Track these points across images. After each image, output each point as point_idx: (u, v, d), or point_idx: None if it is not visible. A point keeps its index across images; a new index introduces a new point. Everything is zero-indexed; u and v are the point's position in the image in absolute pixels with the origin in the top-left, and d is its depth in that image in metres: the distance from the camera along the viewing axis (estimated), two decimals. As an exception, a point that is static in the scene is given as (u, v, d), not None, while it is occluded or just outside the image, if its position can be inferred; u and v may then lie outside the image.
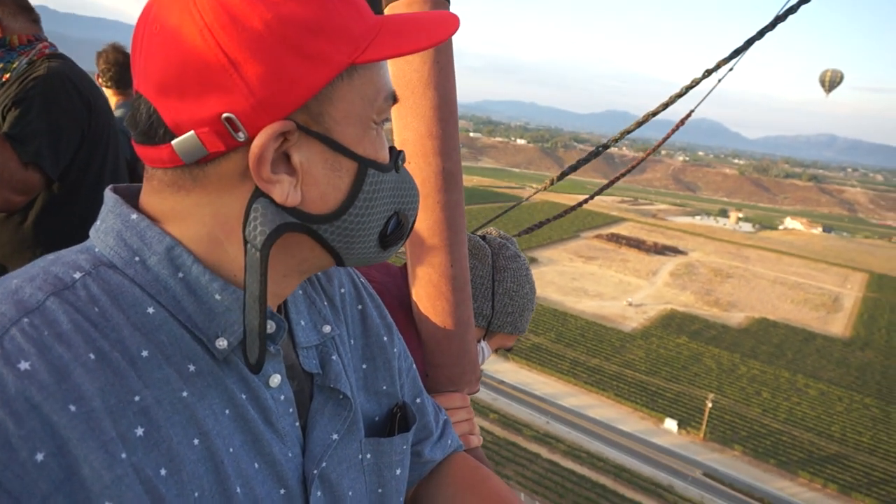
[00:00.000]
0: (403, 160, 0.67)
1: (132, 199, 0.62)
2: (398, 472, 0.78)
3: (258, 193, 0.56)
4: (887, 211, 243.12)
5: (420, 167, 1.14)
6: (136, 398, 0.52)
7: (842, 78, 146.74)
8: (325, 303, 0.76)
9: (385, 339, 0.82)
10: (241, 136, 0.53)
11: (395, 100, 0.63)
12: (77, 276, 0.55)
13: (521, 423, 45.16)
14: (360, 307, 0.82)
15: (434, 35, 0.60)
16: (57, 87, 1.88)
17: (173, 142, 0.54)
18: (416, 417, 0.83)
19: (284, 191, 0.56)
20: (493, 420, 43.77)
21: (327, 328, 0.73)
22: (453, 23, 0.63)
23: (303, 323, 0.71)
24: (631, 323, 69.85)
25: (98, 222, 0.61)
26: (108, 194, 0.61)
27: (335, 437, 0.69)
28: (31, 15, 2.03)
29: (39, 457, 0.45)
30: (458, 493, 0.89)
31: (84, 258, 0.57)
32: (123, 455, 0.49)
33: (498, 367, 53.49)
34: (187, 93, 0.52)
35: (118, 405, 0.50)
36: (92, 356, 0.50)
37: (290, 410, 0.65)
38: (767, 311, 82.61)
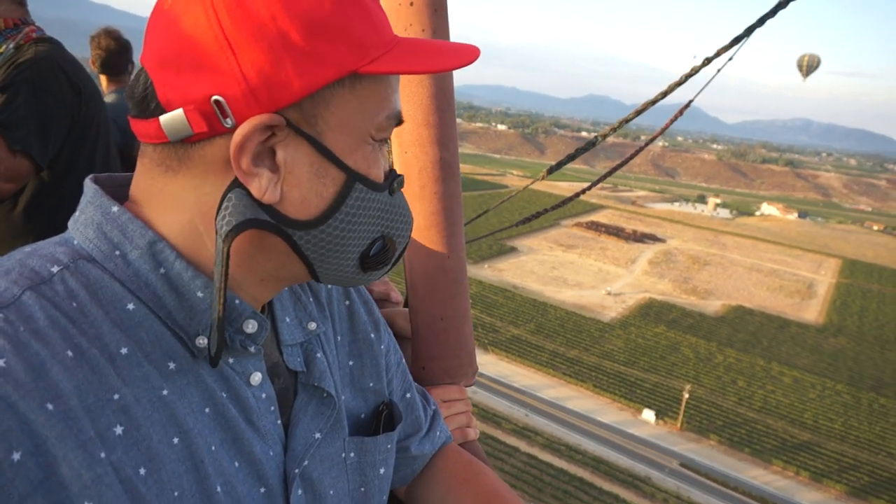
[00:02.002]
0: (401, 185, 0.65)
1: (114, 190, 0.61)
2: (382, 471, 0.78)
3: (236, 184, 0.55)
4: (860, 195, 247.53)
5: (417, 156, 1.13)
6: (115, 396, 0.51)
7: (819, 62, 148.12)
8: (311, 299, 0.75)
9: (372, 335, 0.81)
10: (229, 122, 0.53)
11: (399, 121, 0.62)
12: (55, 269, 0.53)
13: (500, 416, 45.36)
14: (347, 303, 0.81)
15: (447, 61, 0.60)
16: (45, 72, 1.85)
17: (161, 117, 0.53)
18: (402, 416, 0.83)
19: (263, 186, 0.55)
20: (473, 414, 43.51)
21: (312, 325, 0.72)
22: (472, 53, 0.62)
23: (287, 320, 0.70)
24: (610, 312, 70.37)
25: (77, 213, 0.59)
26: (88, 184, 0.60)
27: (318, 435, 0.69)
28: None
29: (16, 456, 0.44)
30: (452, 489, 0.89)
31: (62, 251, 0.56)
32: (102, 454, 0.49)
33: (478, 360, 53.36)
34: (182, 69, 0.52)
35: (96, 403, 0.49)
36: (69, 353, 0.49)
37: (272, 409, 0.65)
38: (743, 298, 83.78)
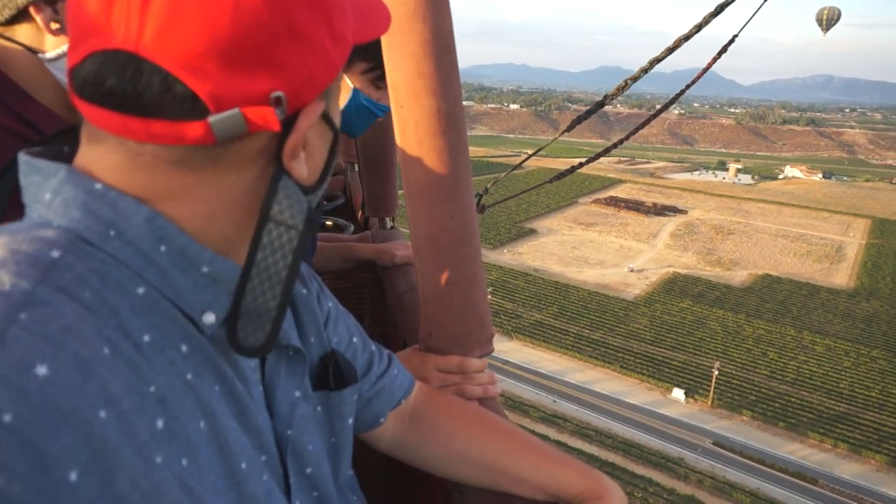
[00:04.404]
0: None
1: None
2: (350, 421, 0.79)
3: (282, 171, 0.54)
4: (887, 150, 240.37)
5: (412, 110, 1.06)
6: (152, 388, 0.48)
7: (839, 15, 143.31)
8: None
9: (304, 290, 0.80)
10: (280, 114, 0.51)
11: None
12: (55, 254, 0.47)
13: (527, 403, 45.07)
14: None
15: (387, 19, 0.64)
16: None
17: (211, 119, 0.49)
18: (351, 364, 0.82)
19: (301, 168, 0.56)
20: (500, 402, 43.31)
21: None
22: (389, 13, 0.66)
23: None
24: (633, 290, 69.33)
25: (48, 196, 0.52)
26: (54, 166, 0.53)
27: (297, 394, 0.69)
28: None
29: (73, 476, 0.41)
30: (458, 428, 0.91)
31: (50, 234, 0.49)
32: (158, 459, 0.46)
33: (502, 347, 53.20)
34: (236, 66, 0.48)
35: (141, 401, 0.47)
36: (106, 350, 0.45)
37: (257, 376, 0.64)
38: (770, 266, 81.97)
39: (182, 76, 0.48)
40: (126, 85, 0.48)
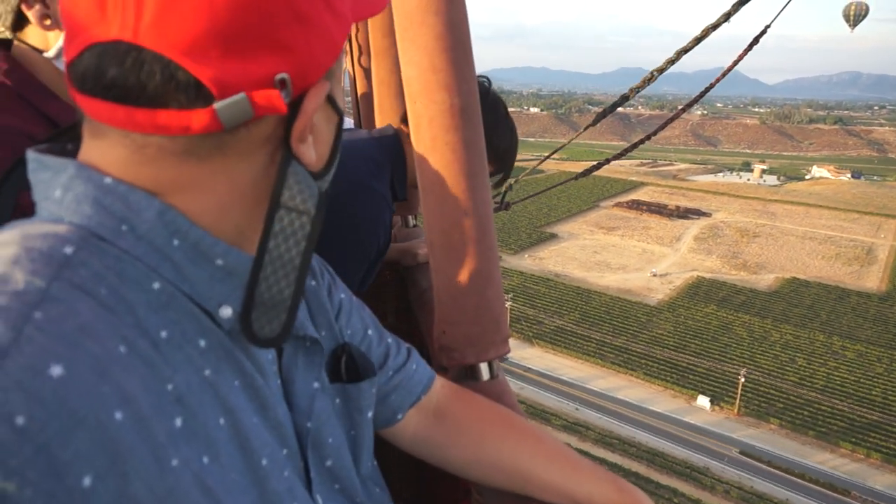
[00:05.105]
0: None
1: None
2: (369, 414, 0.78)
3: (291, 156, 0.53)
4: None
5: (425, 105, 1.05)
6: (169, 386, 0.47)
7: (867, 10, 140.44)
8: None
9: (313, 282, 0.78)
10: (286, 96, 0.50)
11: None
12: (69, 251, 0.46)
13: (549, 412, 44.67)
14: None
15: None
16: None
17: (217, 105, 0.48)
18: (367, 357, 0.80)
19: (310, 152, 0.55)
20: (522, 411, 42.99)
21: None
22: None
23: None
24: (656, 295, 68.35)
25: (58, 192, 0.51)
26: (63, 162, 0.52)
27: (316, 385, 0.68)
28: None
29: (87, 481, 0.39)
30: (488, 431, 0.89)
31: (63, 230, 0.48)
32: (175, 461, 0.45)
33: (523, 354, 52.88)
34: (238, 49, 0.47)
35: (158, 401, 0.46)
36: (122, 349, 0.45)
37: (275, 369, 0.64)
38: (798, 269, 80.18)
39: (184, 63, 0.47)
40: (128, 76, 0.47)
